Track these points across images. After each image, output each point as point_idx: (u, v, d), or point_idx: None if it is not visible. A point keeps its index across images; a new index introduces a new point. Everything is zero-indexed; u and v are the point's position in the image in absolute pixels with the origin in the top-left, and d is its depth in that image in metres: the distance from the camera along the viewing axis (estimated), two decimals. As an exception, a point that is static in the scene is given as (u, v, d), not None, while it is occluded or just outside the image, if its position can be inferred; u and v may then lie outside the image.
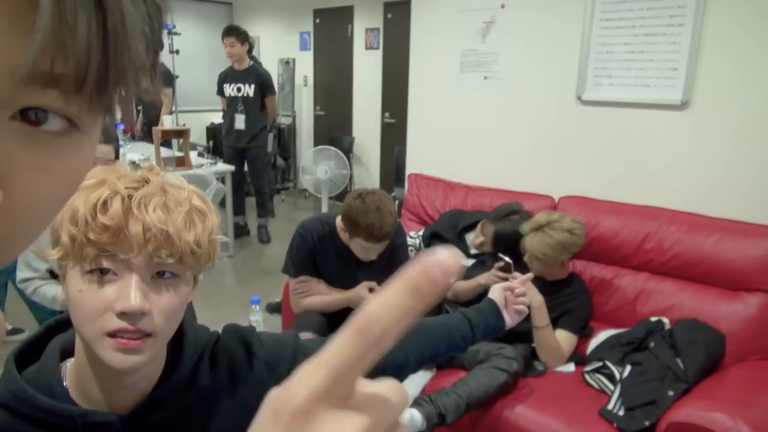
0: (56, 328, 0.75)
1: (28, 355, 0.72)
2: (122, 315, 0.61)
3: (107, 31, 0.23)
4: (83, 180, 0.30)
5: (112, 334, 0.61)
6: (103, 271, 0.62)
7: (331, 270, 2.19)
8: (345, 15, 6.05)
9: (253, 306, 1.95)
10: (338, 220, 2.17)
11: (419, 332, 0.98)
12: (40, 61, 0.22)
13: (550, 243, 2.08)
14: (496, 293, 1.12)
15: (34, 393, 0.65)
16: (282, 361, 0.83)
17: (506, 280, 2.10)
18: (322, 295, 2.19)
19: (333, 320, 2.18)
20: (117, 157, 2.03)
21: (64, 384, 0.69)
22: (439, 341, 1.01)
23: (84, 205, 0.60)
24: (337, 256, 2.16)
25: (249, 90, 4.55)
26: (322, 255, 2.17)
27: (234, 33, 4.43)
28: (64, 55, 0.22)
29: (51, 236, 0.64)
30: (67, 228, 0.61)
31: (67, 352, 0.72)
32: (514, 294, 1.11)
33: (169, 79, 4.35)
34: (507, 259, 2.12)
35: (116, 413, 0.68)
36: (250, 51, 4.52)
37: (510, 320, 1.10)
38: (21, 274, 1.95)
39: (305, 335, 2.07)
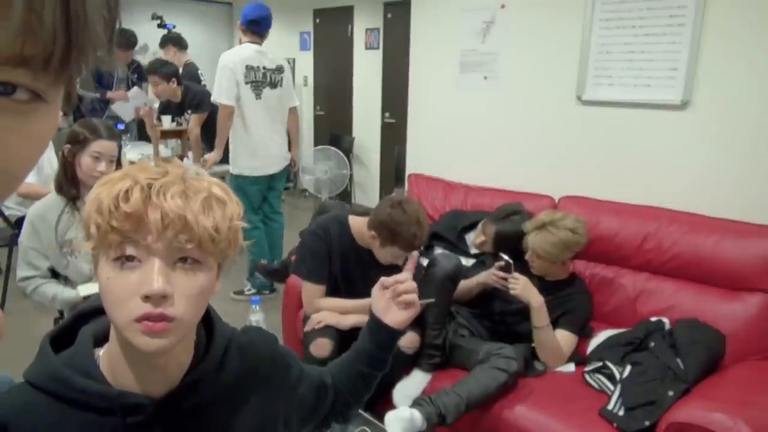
0: (86, 315, 0.78)
1: (58, 340, 0.75)
2: (146, 299, 0.64)
3: (70, 17, 0.27)
4: (50, 140, 0.34)
5: (139, 319, 0.64)
6: (128, 258, 0.65)
7: (348, 272, 2.14)
8: (345, 15, 6.05)
9: (254, 306, 1.95)
10: (352, 220, 2.14)
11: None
12: (13, 45, 0.26)
13: (553, 241, 2.09)
14: (376, 298, 1.01)
15: (72, 374, 0.68)
16: (291, 376, 0.91)
17: (506, 279, 2.12)
18: (341, 300, 2.13)
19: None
20: (119, 154, 2.03)
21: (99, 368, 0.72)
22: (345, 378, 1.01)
23: (108, 196, 0.64)
24: (356, 257, 2.12)
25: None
26: (340, 256, 2.12)
27: (157, 71, 3.90)
28: (33, 40, 0.26)
29: (84, 229, 0.67)
30: (94, 218, 0.64)
31: (98, 340, 0.75)
32: (396, 292, 0.99)
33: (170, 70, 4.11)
34: (507, 258, 2.12)
35: (150, 397, 0.71)
36: (179, 83, 3.98)
37: (399, 317, 0.99)
38: (21, 272, 1.92)
39: (324, 342, 2.06)
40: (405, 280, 1.00)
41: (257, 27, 3.28)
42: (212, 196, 0.68)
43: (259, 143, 3.40)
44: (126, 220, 0.63)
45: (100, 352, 0.74)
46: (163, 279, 0.64)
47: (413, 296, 0.99)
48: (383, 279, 1.01)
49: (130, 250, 0.65)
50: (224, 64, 3.26)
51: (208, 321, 0.81)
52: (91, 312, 0.79)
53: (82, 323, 0.77)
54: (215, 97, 3.31)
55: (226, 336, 0.82)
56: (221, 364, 0.79)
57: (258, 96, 3.32)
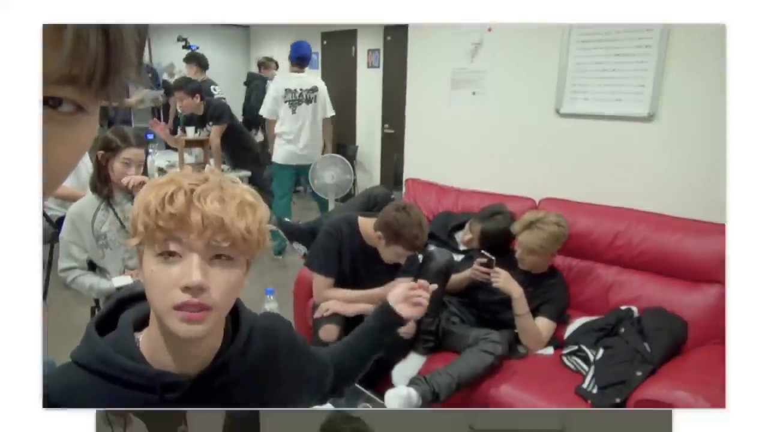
0: (126, 301, 0.80)
1: (101, 324, 0.76)
2: (186, 289, 0.66)
3: (109, 45, 0.30)
4: (89, 146, 0.36)
5: (178, 308, 0.66)
6: (170, 254, 0.67)
7: (355, 267, 2.15)
8: (349, 37, 6.06)
9: (268, 296, 1.95)
10: (361, 221, 2.14)
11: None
12: (63, 67, 0.29)
13: (544, 236, 2.09)
14: (397, 289, 1.10)
15: (117, 355, 0.70)
16: (304, 358, 0.93)
17: (488, 275, 2.12)
18: (347, 290, 2.14)
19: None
20: (146, 160, 2.03)
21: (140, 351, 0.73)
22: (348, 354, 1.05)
23: (155, 198, 0.65)
24: (363, 254, 2.13)
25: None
26: (349, 253, 2.14)
27: (183, 88, 3.94)
28: (80, 63, 0.29)
29: (131, 227, 0.69)
30: (142, 218, 0.66)
31: (137, 324, 0.76)
32: (412, 291, 1.10)
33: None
34: (489, 255, 2.12)
35: (185, 376, 0.72)
36: (202, 98, 3.98)
37: (409, 311, 1.08)
38: (62, 263, 1.93)
39: (331, 327, 2.07)
40: (426, 288, 1.10)
41: (303, 62, 4.10)
42: (245, 201, 0.69)
43: (286, 142, 4.12)
44: (171, 220, 0.65)
45: (140, 336, 0.75)
46: (201, 273, 0.66)
47: (424, 300, 1.08)
48: (413, 284, 1.10)
49: (173, 247, 0.66)
50: (270, 90, 4.14)
51: (234, 308, 0.82)
52: (131, 298, 0.80)
53: (123, 309, 0.78)
54: (262, 112, 4.15)
55: (250, 322, 0.83)
56: (246, 347, 0.80)
57: (294, 111, 4.04)
